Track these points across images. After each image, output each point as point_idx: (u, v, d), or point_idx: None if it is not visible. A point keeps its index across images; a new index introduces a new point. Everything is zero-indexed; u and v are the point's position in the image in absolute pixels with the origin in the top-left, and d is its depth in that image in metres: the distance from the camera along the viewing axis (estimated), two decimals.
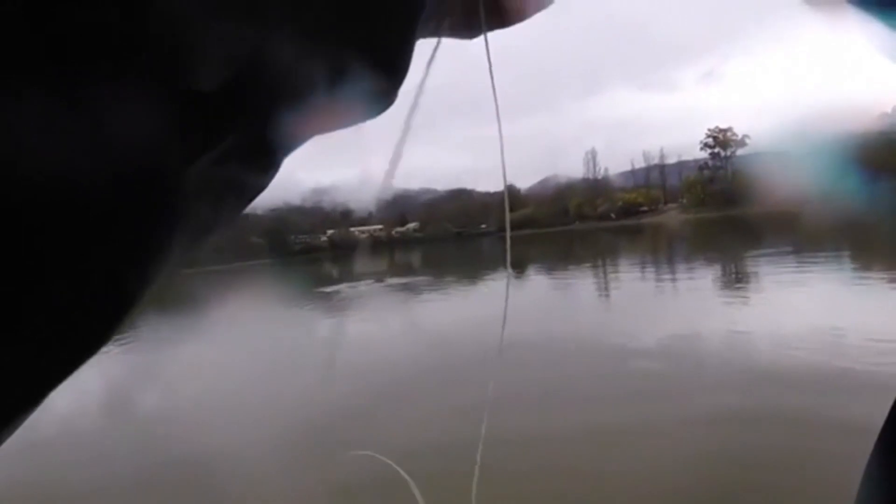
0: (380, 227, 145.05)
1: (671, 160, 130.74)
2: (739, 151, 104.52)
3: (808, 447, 6.01)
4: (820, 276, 17.69)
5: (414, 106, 0.42)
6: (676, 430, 6.96)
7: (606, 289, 22.93)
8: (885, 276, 16.05)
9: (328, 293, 33.27)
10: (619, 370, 9.86)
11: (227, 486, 6.89)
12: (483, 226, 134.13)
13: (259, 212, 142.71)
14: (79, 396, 12.89)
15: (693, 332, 11.73)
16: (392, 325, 19.67)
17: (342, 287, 38.18)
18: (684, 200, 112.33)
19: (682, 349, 10.61)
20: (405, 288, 30.63)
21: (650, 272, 27.76)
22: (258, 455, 7.84)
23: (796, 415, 6.87)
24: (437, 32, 0.41)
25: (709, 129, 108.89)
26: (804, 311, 12.61)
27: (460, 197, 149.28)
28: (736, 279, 20.61)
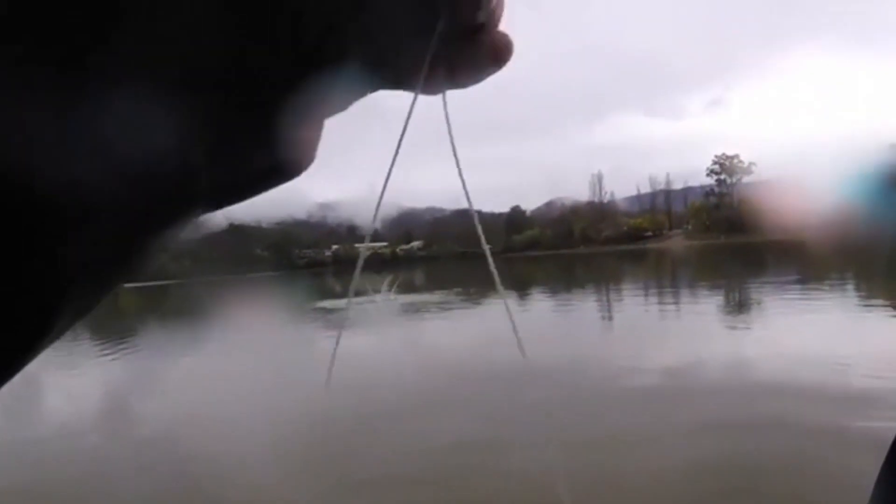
0: (385, 244, 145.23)
1: (677, 185, 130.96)
2: (745, 178, 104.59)
3: (808, 471, 5.95)
4: (824, 305, 17.61)
5: (403, 131, 0.43)
6: (672, 451, 6.90)
7: (609, 312, 22.85)
8: (889, 303, 15.99)
9: (329, 308, 33.21)
10: (620, 393, 9.79)
11: (224, 496, 6.85)
12: (490, 246, 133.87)
13: (264, 225, 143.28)
14: (80, 404, 12.88)
15: (695, 358, 11.66)
16: (391, 343, 19.63)
17: (343, 302, 38.14)
18: (689, 226, 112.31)
19: (684, 374, 10.54)
20: (408, 306, 30.58)
21: (654, 297, 27.68)
22: (253, 465, 7.79)
23: (797, 439, 6.82)
24: (401, 85, 0.42)
25: (715, 156, 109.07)
26: (807, 338, 12.54)
27: (465, 217, 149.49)
28: (740, 306, 20.53)
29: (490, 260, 0.45)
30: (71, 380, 16.80)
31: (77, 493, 7.42)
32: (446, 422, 9.11)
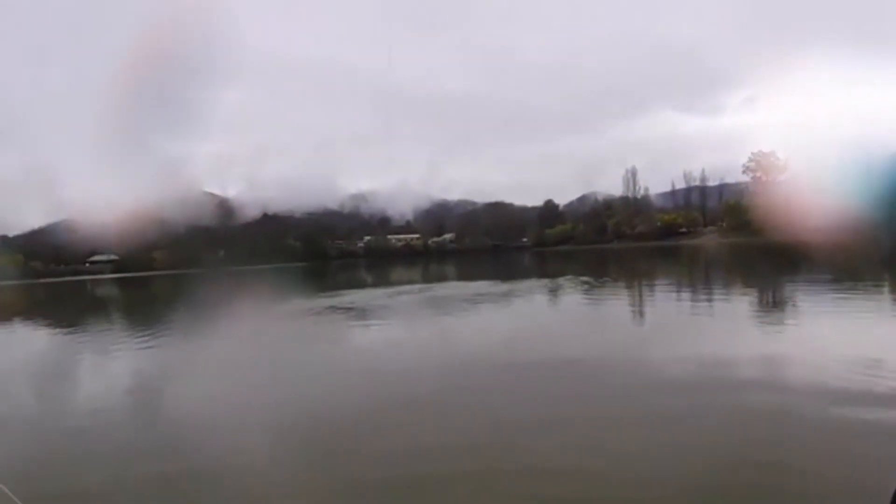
0: (417, 236, 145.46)
1: (712, 182, 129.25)
2: (781, 176, 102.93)
3: (836, 468, 5.98)
4: (858, 306, 17.42)
5: None
6: (700, 447, 6.96)
7: (641, 308, 22.79)
8: None
9: (359, 297, 33.43)
10: (651, 387, 9.83)
11: (244, 484, 7.02)
12: (524, 240, 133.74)
13: (297, 215, 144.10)
14: (105, 389, 13.18)
15: (726, 355, 11.65)
16: (417, 333, 19.77)
17: (374, 292, 38.37)
18: (724, 224, 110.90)
19: (715, 371, 10.55)
20: (437, 297, 30.68)
21: (686, 293, 27.53)
22: (277, 449, 7.98)
23: (825, 436, 6.84)
24: None
25: (752, 153, 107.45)
26: (840, 339, 12.46)
27: (497, 210, 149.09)
28: (773, 305, 20.38)
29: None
30: (109, 364, 17.20)
31: (93, 480, 7.62)
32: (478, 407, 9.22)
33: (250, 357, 16.28)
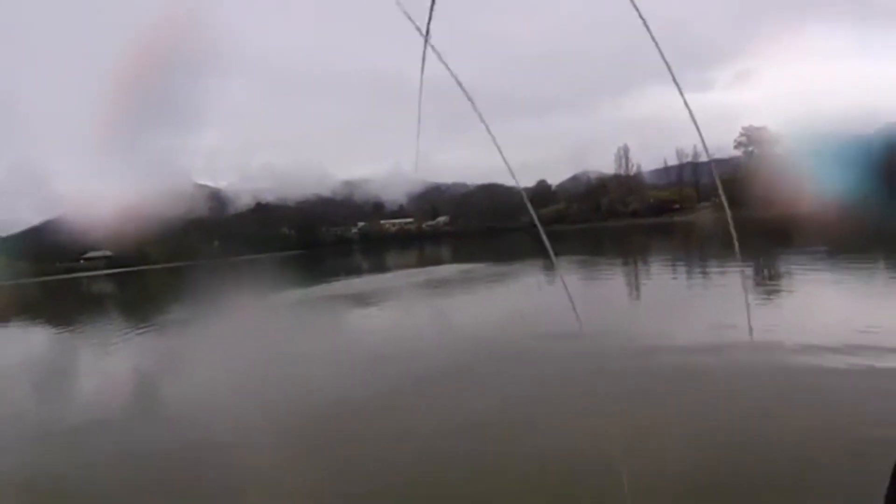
0: (410, 220, 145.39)
1: (704, 158, 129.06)
2: (774, 150, 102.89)
3: (828, 438, 6.02)
4: (853, 278, 17.50)
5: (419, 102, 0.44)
6: (698, 423, 7.01)
7: (637, 286, 22.86)
8: None
9: (356, 283, 33.51)
10: (650, 365, 9.88)
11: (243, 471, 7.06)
12: (524, 219, 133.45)
13: (290, 203, 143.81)
14: (102, 381, 13.21)
15: (724, 330, 11.69)
16: (419, 317, 19.82)
17: (370, 278, 38.44)
18: (716, 199, 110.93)
19: (713, 345, 10.59)
20: (434, 281, 30.72)
21: (682, 270, 27.62)
22: (277, 437, 8.02)
23: (821, 408, 6.90)
24: None
25: (743, 128, 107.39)
26: (836, 310, 12.53)
27: (491, 191, 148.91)
28: (768, 278, 20.44)
29: (545, 238, 0.45)
30: (105, 357, 17.24)
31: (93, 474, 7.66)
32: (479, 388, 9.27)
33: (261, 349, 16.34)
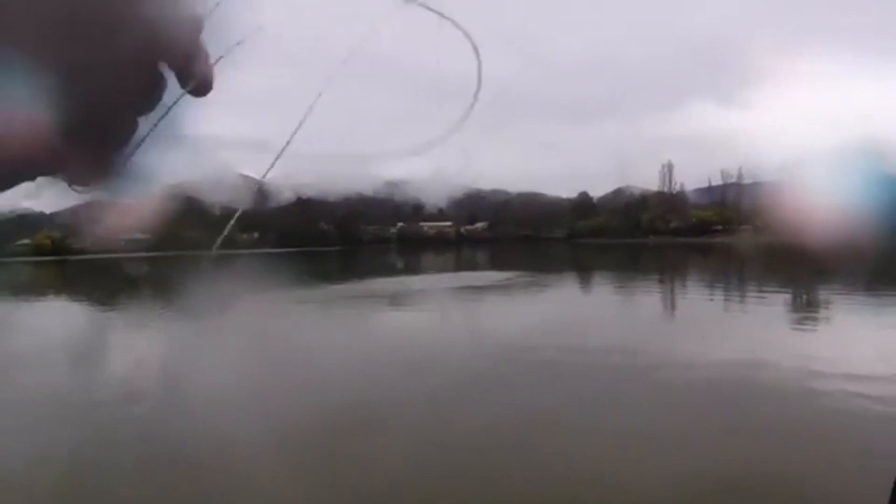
0: (449, 223, 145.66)
1: (749, 180, 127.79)
2: (810, 177, 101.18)
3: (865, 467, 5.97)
4: (891, 317, 17.19)
5: (467, 113, 0.44)
6: (723, 443, 6.97)
7: (672, 304, 22.70)
8: None
9: (391, 284, 33.67)
10: (677, 385, 9.85)
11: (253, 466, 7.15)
12: (561, 233, 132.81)
13: (331, 199, 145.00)
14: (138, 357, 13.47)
15: (757, 356, 11.60)
16: (444, 321, 19.86)
17: (406, 279, 38.60)
18: (759, 223, 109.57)
19: (744, 371, 10.52)
20: (469, 287, 30.77)
21: (719, 292, 27.37)
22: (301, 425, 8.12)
23: (854, 440, 6.83)
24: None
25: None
26: (874, 344, 12.34)
27: (531, 200, 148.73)
28: (806, 307, 20.19)
29: None
30: (136, 340, 17.57)
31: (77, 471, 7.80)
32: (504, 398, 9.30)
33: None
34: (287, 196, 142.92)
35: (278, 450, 7.30)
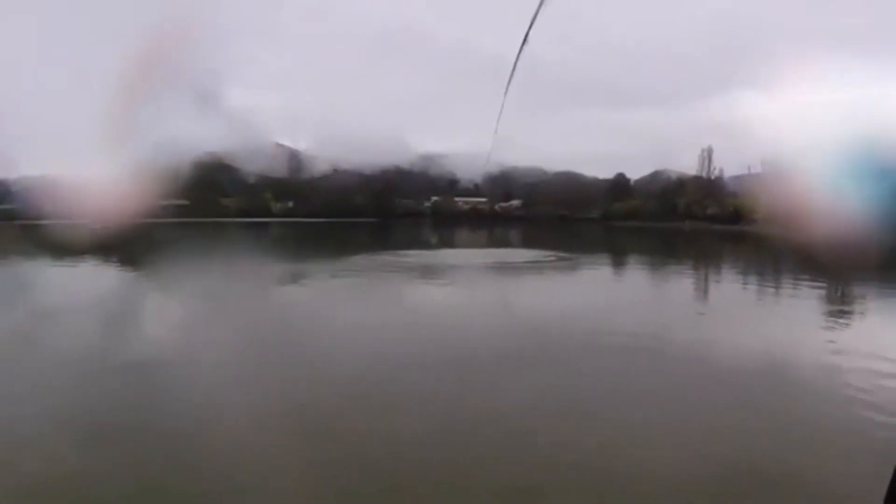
0: (484, 199, 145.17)
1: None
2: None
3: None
4: None
5: (509, 82, 0.52)
6: (746, 436, 7.03)
7: (705, 296, 22.60)
8: None
9: (423, 257, 33.80)
10: (707, 375, 9.89)
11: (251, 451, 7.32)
12: (596, 214, 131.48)
13: (367, 171, 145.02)
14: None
15: (789, 349, 11.59)
16: (476, 298, 19.93)
17: (438, 253, 38.73)
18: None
19: (774, 363, 10.52)
20: (500, 264, 30.83)
21: (752, 284, 27.18)
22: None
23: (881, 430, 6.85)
24: None
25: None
26: None
27: (567, 179, 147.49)
28: (841, 301, 20.02)
29: None
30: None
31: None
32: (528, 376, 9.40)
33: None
34: (322, 167, 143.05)
35: (288, 420, 7.43)
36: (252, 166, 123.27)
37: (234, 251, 40.05)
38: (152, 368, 9.84)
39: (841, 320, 15.86)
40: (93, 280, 24.50)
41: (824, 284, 23.04)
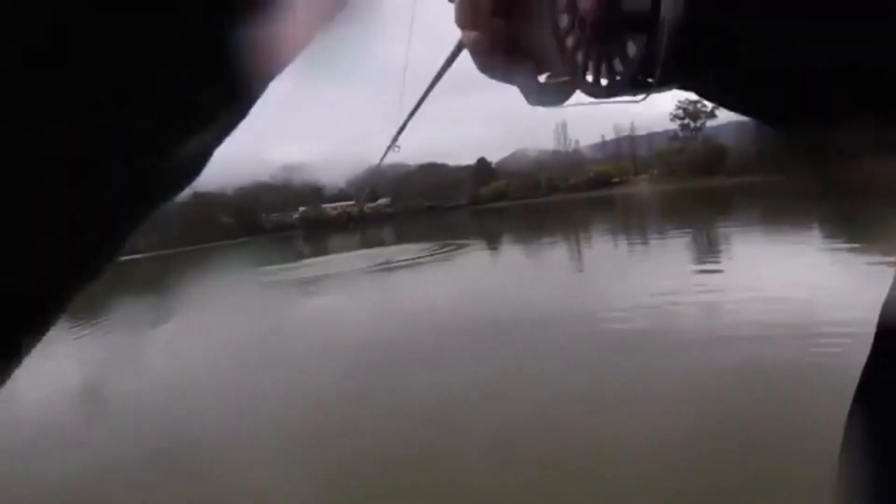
0: (351, 202, 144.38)
1: (641, 132, 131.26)
2: (709, 122, 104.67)
3: (782, 402, 6.01)
4: (789, 247, 17.77)
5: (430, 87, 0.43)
6: (651, 392, 6.98)
7: (580, 259, 22.97)
8: (851, 246, 16.02)
9: (299, 270, 33.06)
10: (594, 335, 9.89)
11: (212, 475, 6.81)
12: (464, 201, 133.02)
13: (228, 191, 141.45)
14: (54, 382, 12.70)
15: (667, 298, 11.76)
16: (366, 301, 19.59)
17: (314, 262, 38.00)
18: (655, 171, 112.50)
19: (657, 313, 10.65)
20: (379, 264, 30.49)
21: (622, 242, 27.91)
22: (236, 438, 7.77)
23: (769, 368, 6.94)
24: None
25: (679, 101, 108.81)
26: (776, 278, 12.67)
27: (431, 171, 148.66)
28: (708, 248, 20.74)
29: None
30: (46, 361, 16.61)
31: (52, 481, 7.31)
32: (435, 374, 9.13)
33: None
34: (182, 193, 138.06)
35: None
36: None
37: (105, 297, 37.82)
38: None
39: (711, 267, 16.38)
40: None
41: (689, 235, 23.88)
